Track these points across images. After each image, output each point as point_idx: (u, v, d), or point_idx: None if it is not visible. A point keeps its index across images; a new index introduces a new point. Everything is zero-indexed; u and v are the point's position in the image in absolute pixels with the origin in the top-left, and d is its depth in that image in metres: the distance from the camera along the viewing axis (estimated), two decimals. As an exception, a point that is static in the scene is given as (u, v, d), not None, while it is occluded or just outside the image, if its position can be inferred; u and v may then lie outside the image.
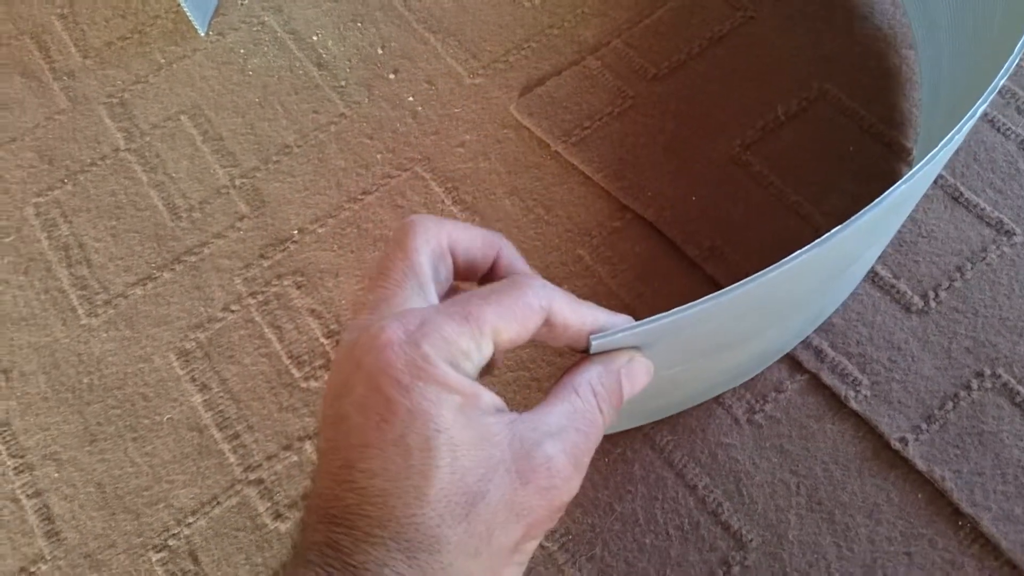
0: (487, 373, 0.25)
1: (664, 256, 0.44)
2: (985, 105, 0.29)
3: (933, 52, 0.45)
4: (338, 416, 0.23)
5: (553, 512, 0.24)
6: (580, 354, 0.27)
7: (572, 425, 0.24)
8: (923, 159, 0.28)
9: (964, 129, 0.28)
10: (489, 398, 0.24)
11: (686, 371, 0.32)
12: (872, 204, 0.26)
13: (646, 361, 0.27)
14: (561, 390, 0.25)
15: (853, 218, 0.26)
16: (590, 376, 0.26)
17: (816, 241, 0.25)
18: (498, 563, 0.23)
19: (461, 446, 0.22)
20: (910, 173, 0.27)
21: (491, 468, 0.23)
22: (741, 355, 0.36)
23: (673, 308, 0.25)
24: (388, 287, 0.25)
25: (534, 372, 0.42)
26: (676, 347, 0.28)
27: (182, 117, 0.51)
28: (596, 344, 0.25)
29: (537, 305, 0.25)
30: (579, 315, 0.26)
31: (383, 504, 0.22)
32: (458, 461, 0.22)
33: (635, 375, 0.27)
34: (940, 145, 0.28)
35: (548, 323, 0.25)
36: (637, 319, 0.26)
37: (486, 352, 0.24)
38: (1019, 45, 0.30)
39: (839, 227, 0.26)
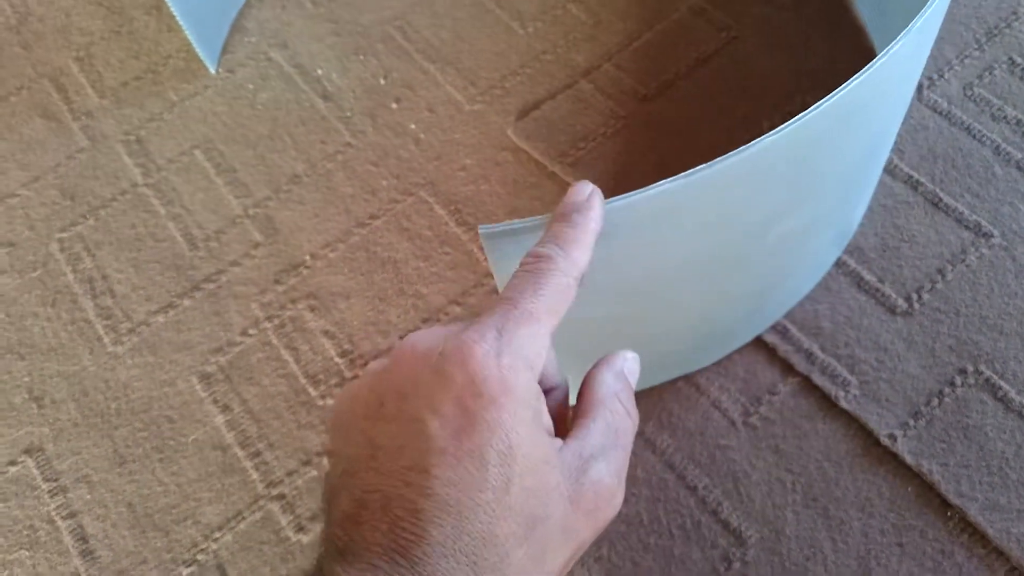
0: None
1: (659, 268, 0.46)
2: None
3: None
4: (408, 416, 0.23)
5: (598, 532, 0.25)
6: None
7: (612, 443, 0.25)
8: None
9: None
10: (546, 416, 0.24)
11: (661, 308, 0.34)
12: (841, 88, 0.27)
13: (635, 355, 0.29)
14: (590, 408, 0.26)
15: (830, 95, 0.27)
16: (612, 388, 0.27)
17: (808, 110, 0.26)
18: None
19: (529, 467, 0.23)
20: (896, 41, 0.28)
21: (548, 491, 0.23)
22: (716, 309, 0.38)
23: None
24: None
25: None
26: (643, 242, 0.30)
27: (196, 151, 0.54)
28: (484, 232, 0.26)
29: (574, 283, 0.25)
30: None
31: (457, 515, 0.22)
32: (525, 481, 0.23)
33: (633, 371, 0.28)
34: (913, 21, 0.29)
35: None
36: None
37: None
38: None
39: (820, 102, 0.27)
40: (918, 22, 0.28)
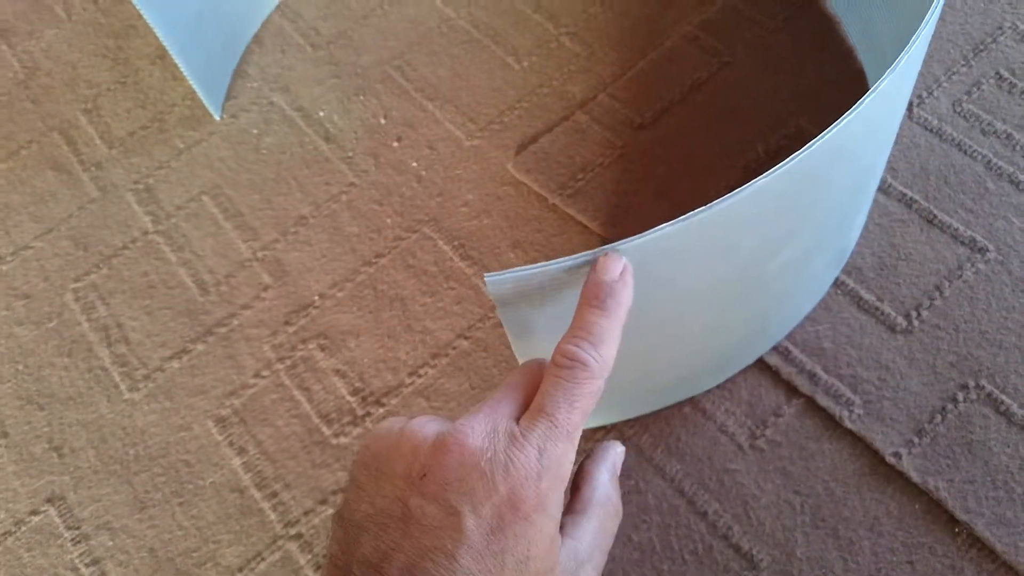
0: None
1: (661, 295, 0.47)
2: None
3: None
4: (449, 506, 0.26)
5: None
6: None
7: (600, 544, 0.29)
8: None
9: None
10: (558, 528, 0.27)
11: (665, 339, 0.35)
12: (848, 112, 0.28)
13: (622, 448, 0.32)
14: (587, 506, 0.29)
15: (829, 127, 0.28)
16: (606, 489, 0.30)
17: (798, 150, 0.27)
18: None
19: (536, 572, 0.26)
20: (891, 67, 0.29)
21: None
22: (719, 336, 0.39)
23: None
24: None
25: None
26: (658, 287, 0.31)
27: (204, 197, 0.55)
28: (490, 281, 0.28)
29: (604, 383, 0.27)
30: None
31: None
32: None
33: (620, 462, 0.32)
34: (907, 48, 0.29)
35: None
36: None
37: None
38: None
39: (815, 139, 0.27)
40: (904, 57, 0.29)
